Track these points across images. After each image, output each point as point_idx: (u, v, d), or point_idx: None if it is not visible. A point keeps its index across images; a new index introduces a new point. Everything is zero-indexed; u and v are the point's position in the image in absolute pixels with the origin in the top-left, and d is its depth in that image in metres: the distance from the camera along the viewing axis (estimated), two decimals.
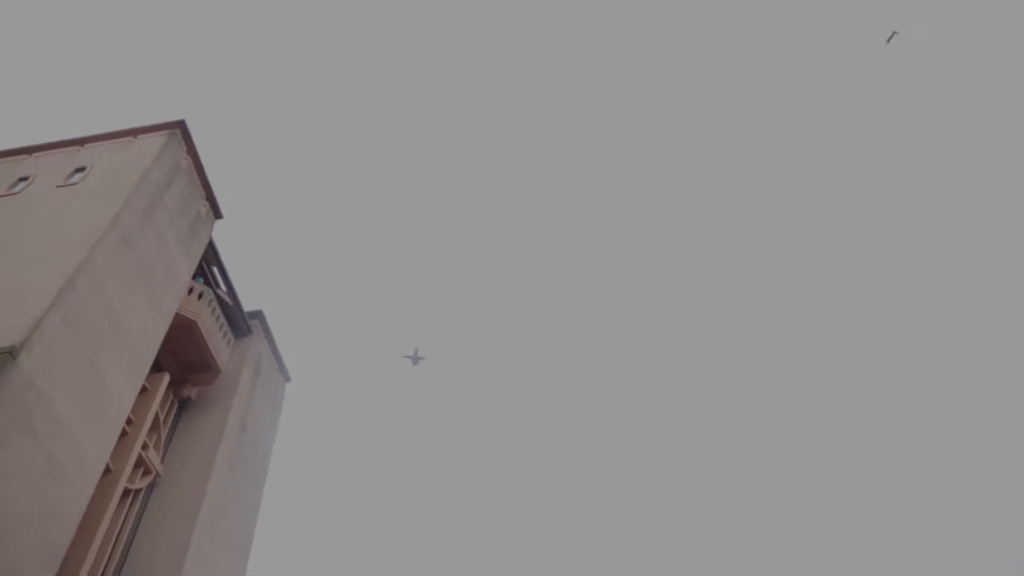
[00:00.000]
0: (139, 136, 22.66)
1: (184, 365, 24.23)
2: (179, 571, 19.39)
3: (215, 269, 25.99)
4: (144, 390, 20.99)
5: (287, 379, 30.42)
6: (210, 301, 24.69)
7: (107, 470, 18.64)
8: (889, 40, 54.09)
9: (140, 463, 20.79)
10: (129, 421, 20.00)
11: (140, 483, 20.92)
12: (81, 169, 21.53)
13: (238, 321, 26.81)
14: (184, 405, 24.50)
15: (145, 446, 20.94)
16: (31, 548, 14.08)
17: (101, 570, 18.60)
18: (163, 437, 22.62)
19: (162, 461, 22.26)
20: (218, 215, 24.78)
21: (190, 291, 23.67)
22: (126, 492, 20.14)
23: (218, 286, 26.13)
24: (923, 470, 73.56)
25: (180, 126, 22.96)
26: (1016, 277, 73.27)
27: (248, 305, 27.51)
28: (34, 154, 23.12)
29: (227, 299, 26.20)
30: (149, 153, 21.55)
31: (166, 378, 22.18)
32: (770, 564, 72.86)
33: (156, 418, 22.00)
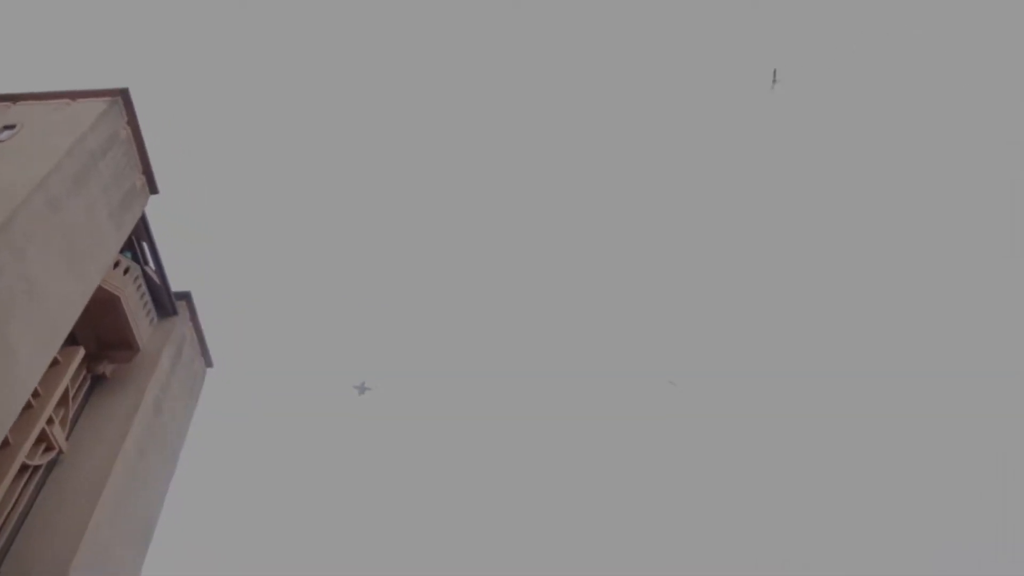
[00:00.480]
0: (78, 100, 21.84)
1: (102, 341, 23.38)
2: (72, 554, 18.58)
3: (145, 245, 25.17)
4: (55, 363, 20.14)
5: (209, 364, 29.60)
6: (136, 277, 23.90)
7: (5, 443, 17.82)
8: (773, 83, 56.11)
9: (43, 438, 19.89)
10: (36, 394, 19.16)
11: (40, 459, 20.01)
12: (11, 127, 20.64)
13: (164, 300, 25.99)
14: (98, 382, 23.58)
15: (50, 421, 20.07)
16: None
17: None
18: (71, 413, 21.71)
19: (67, 438, 21.35)
20: (154, 190, 24.03)
21: (116, 265, 22.85)
22: (24, 467, 19.24)
23: (146, 263, 25.29)
24: (923, 470, 75.04)
25: (123, 94, 22.23)
26: (1016, 277, 75.21)
27: (176, 286, 26.73)
28: None
29: (155, 277, 25.39)
30: (87, 118, 20.80)
31: (80, 352, 21.33)
32: (763, 563, 73.30)
33: (65, 393, 21.11)
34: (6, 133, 20.30)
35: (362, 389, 60.23)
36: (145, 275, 24.78)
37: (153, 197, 24.13)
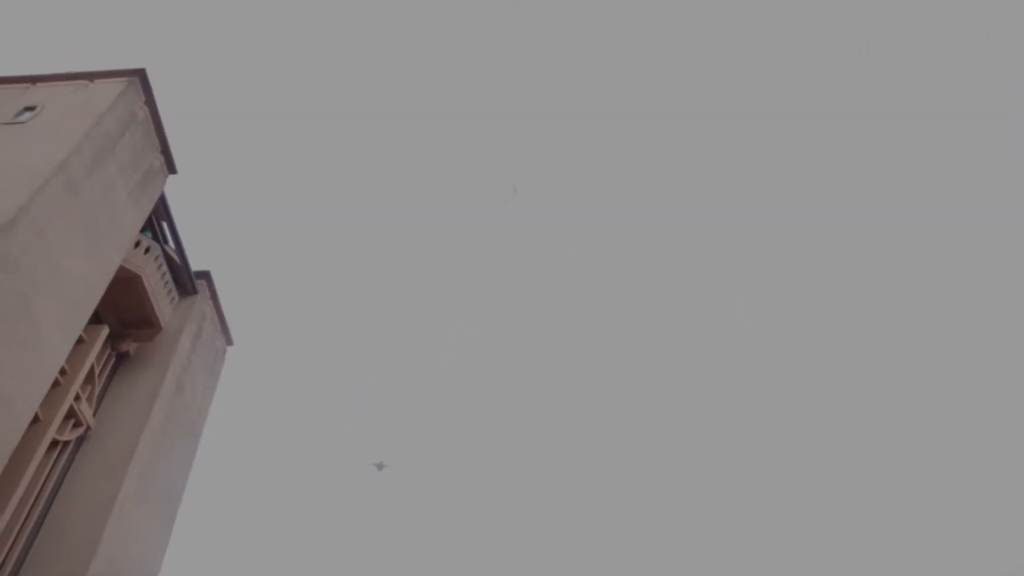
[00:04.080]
0: (96, 81, 22.00)
1: (124, 319, 23.74)
2: (102, 528, 19.04)
3: (164, 225, 25.42)
4: (81, 341, 20.52)
5: (229, 343, 29.98)
6: (156, 257, 24.19)
7: (36, 419, 18.22)
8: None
9: (71, 415, 20.34)
10: (63, 371, 19.55)
11: (70, 435, 20.47)
12: (31, 108, 20.84)
13: (184, 279, 26.30)
14: (121, 360, 24.00)
15: (78, 398, 20.49)
16: None
17: (22, 521, 18.19)
18: (97, 390, 22.13)
19: (95, 415, 21.80)
20: (172, 170, 24.22)
21: (137, 244, 23.13)
22: (54, 443, 19.70)
23: (166, 242, 25.57)
24: (922, 471, 74.99)
25: (140, 75, 22.34)
26: (1016, 277, 74.66)
27: (196, 266, 27.02)
28: None
29: (174, 256, 25.68)
30: (105, 99, 20.95)
31: (105, 331, 21.70)
32: (766, 565, 73.70)
33: (91, 370, 21.52)
34: (26, 115, 20.51)
35: (381, 467, 63.40)
36: (165, 255, 25.07)
37: (171, 177, 24.33)
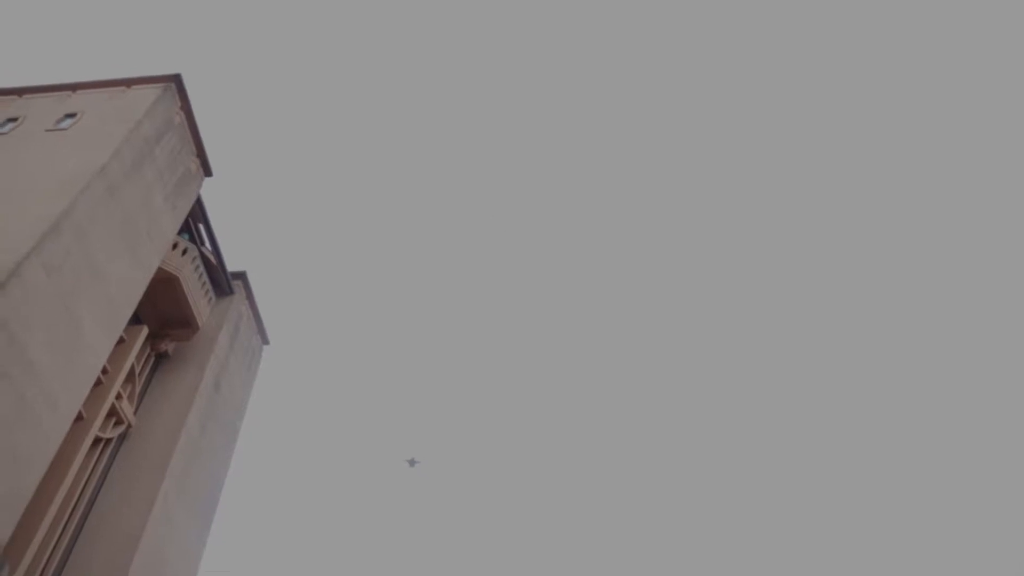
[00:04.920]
0: (133, 87, 22.53)
1: (163, 320, 24.29)
2: (143, 523, 19.53)
3: (201, 227, 25.95)
4: (121, 341, 21.06)
5: (265, 342, 30.50)
6: (194, 258, 24.69)
7: (79, 417, 18.75)
8: (412, 465, 60.79)
9: (113, 413, 20.88)
10: (104, 371, 20.08)
11: (112, 432, 21.02)
12: (72, 115, 21.43)
13: (220, 280, 26.83)
14: (161, 359, 24.57)
15: (119, 396, 21.03)
16: None
17: (67, 516, 18.73)
18: (138, 389, 22.70)
19: (135, 413, 22.35)
20: (208, 173, 24.71)
21: (174, 246, 23.66)
22: (97, 440, 20.25)
23: (203, 244, 26.11)
24: (921, 471, 74.04)
25: (175, 80, 22.83)
26: (1016, 277, 73.45)
27: (232, 266, 27.55)
28: (24, 96, 22.98)
29: (211, 258, 26.20)
30: (142, 105, 21.46)
31: (144, 331, 22.24)
32: (769, 567, 73.19)
33: (132, 370, 22.07)
34: (67, 122, 21.10)
35: (412, 463, 64.29)
36: (202, 256, 25.59)
37: (208, 180, 24.82)
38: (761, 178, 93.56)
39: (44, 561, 17.74)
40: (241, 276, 28.41)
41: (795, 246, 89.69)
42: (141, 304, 21.68)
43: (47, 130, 20.80)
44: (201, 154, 24.21)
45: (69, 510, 18.80)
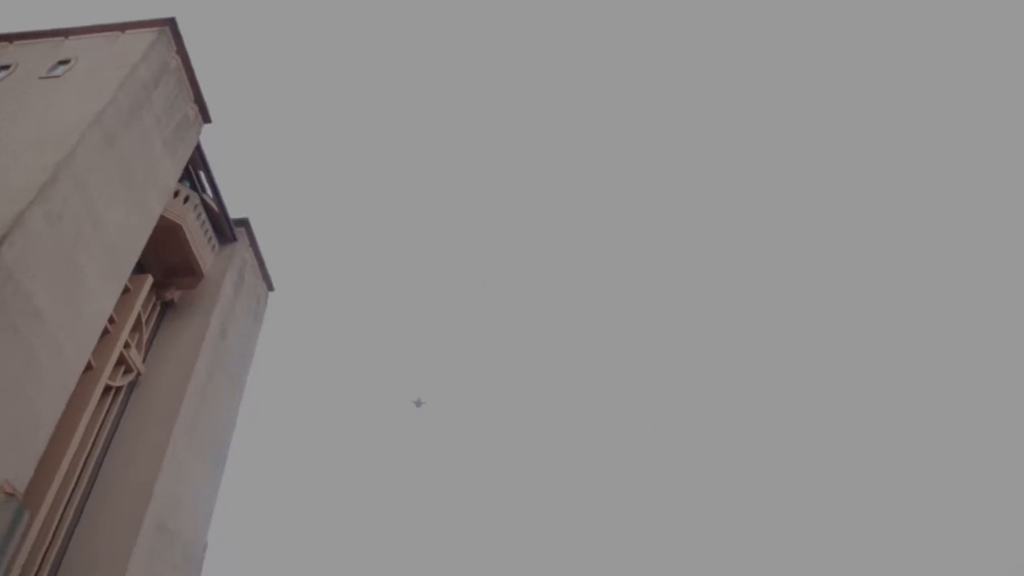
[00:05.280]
0: (127, 32, 22.02)
1: (167, 268, 24.26)
2: (157, 470, 19.87)
3: (201, 174, 25.71)
4: (127, 290, 21.08)
5: (270, 288, 30.56)
6: (195, 206, 24.54)
7: (88, 367, 18.88)
8: (418, 406, 59.63)
9: (122, 361, 21.04)
10: (111, 320, 20.16)
11: (122, 380, 21.22)
12: (65, 62, 21.00)
13: (223, 227, 26.71)
14: (167, 308, 24.65)
15: (127, 345, 21.16)
16: (7, 441, 14.35)
17: (81, 464, 19.06)
18: (145, 337, 22.84)
19: (144, 361, 22.53)
20: (206, 119, 24.34)
21: (176, 194, 23.47)
22: (107, 389, 20.45)
23: (204, 191, 25.90)
24: (921, 471, 74.86)
25: (170, 24, 22.29)
26: (1016, 277, 73.58)
27: (234, 214, 27.38)
28: (16, 42, 22.47)
29: (213, 205, 26.03)
30: (137, 50, 20.99)
31: (149, 280, 22.24)
32: (766, 568, 74.31)
33: (139, 318, 22.14)
34: (60, 69, 20.69)
35: (419, 404, 64.46)
36: (204, 203, 25.43)
37: (207, 127, 24.48)
38: (761, 178, 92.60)
39: (62, 509, 18.13)
40: (244, 223, 28.27)
41: (795, 245, 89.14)
42: (145, 253, 21.60)
43: (41, 77, 20.42)
44: (199, 100, 23.81)
45: (83, 458, 19.13)
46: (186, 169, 24.36)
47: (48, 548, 17.55)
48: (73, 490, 18.76)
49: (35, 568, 16.92)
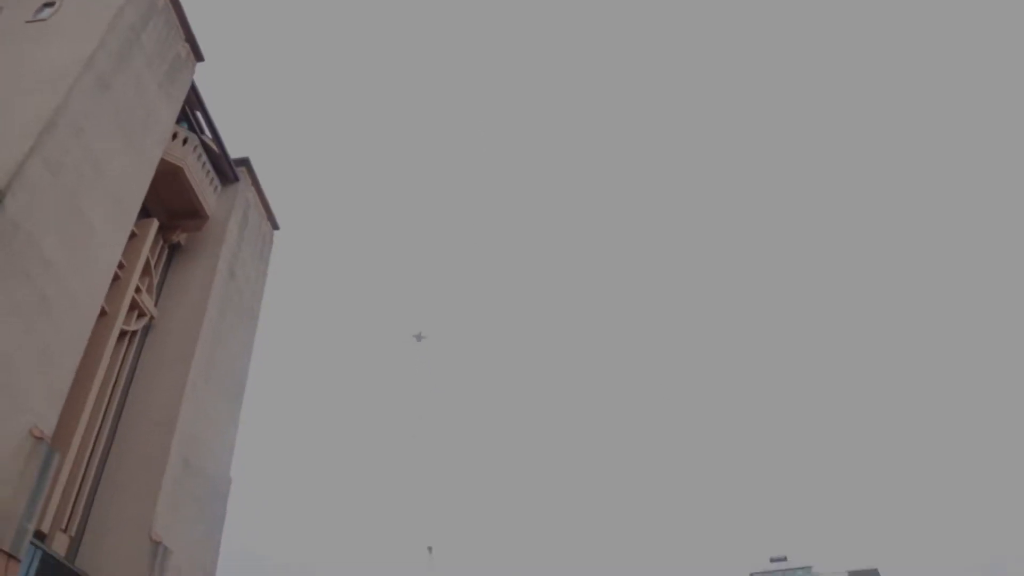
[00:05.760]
0: None
1: (172, 211, 24.29)
2: (176, 411, 20.34)
3: (199, 114, 25.41)
4: (133, 235, 21.12)
5: (275, 227, 30.58)
6: (195, 147, 24.36)
7: (103, 312, 19.12)
8: (419, 340, 56.53)
9: (134, 306, 21.28)
10: (121, 265, 20.28)
11: (136, 325, 21.52)
12: (50, 4, 20.53)
13: (224, 168, 26.56)
14: (174, 251, 24.75)
15: (138, 290, 21.36)
16: (31, 387, 14.67)
17: (104, 407, 19.50)
18: (155, 281, 23.03)
19: (156, 304, 22.79)
20: (199, 57, 23.92)
21: (174, 136, 23.26)
22: (123, 334, 20.75)
23: (203, 132, 25.65)
24: (921, 471, 75.41)
25: None
26: (1016, 277, 72.93)
27: (234, 153, 27.16)
28: None
29: (212, 145, 25.83)
30: None
31: (155, 224, 22.30)
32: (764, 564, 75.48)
33: (147, 263, 22.27)
34: (46, 11, 20.24)
35: (419, 338, 64.40)
36: (204, 144, 25.22)
37: (203, 67, 24.05)
38: (761, 178, 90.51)
39: (89, 450, 18.66)
40: (244, 162, 28.07)
41: (797, 244, 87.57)
42: (148, 197, 21.57)
43: (27, 21, 20.01)
44: (190, 38, 23.35)
45: (106, 401, 19.56)
46: (183, 110, 24.07)
47: (80, 489, 18.14)
48: (99, 433, 19.25)
49: (68, 507, 17.54)
